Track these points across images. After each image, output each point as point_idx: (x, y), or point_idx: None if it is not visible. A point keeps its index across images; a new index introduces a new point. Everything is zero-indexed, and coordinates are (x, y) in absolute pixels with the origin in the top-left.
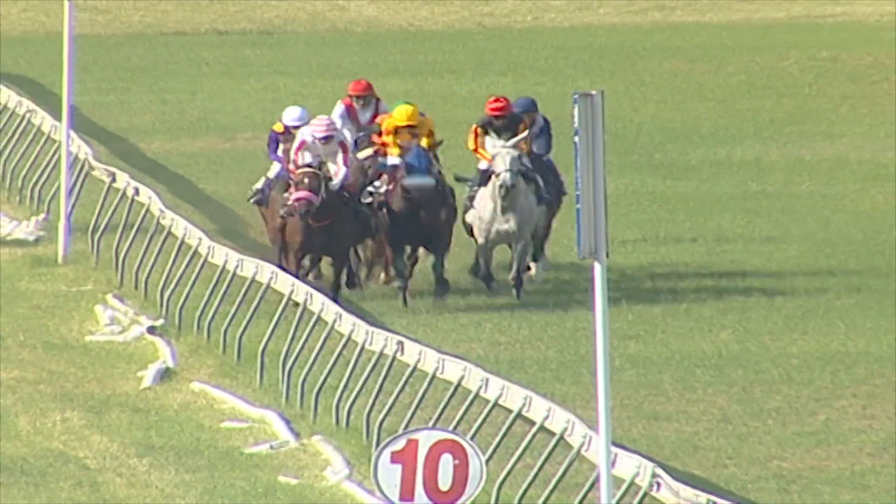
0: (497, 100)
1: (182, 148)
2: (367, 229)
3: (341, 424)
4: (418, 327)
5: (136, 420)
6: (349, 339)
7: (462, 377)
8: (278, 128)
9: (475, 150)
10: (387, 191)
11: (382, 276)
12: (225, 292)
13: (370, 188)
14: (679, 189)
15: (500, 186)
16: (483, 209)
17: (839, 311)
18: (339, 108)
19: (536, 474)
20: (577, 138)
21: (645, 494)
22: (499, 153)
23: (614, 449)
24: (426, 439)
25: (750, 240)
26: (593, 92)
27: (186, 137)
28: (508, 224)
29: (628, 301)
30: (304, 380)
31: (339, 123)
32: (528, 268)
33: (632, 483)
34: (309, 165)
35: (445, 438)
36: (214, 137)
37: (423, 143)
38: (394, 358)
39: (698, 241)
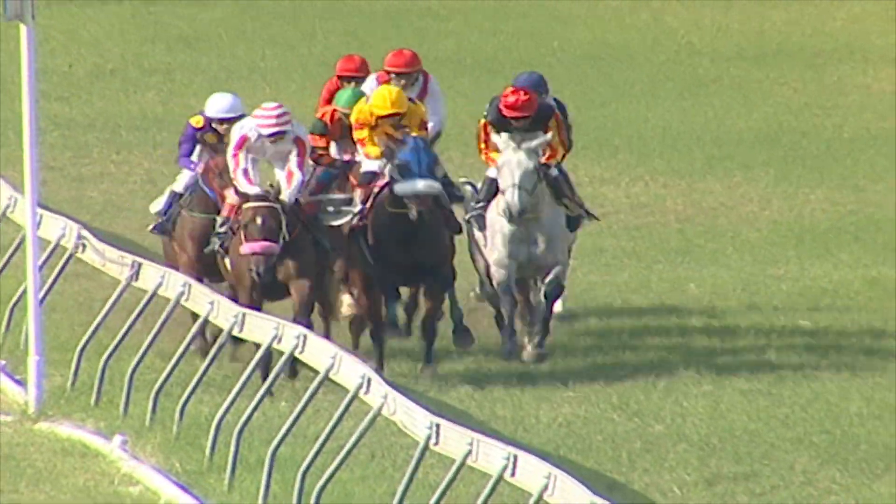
0: (515, 91)
1: None
2: (324, 263)
3: None
4: None
5: None
6: None
7: None
8: (197, 121)
9: (485, 153)
10: (362, 210)
11: (345, 307)
12: None
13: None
14: None
15: (505, 210)
16: (496, 232)
17: None
18: (371, 82)
19: None
20: None
21: (71, 255)
22: (507, 162)
23: (40, 210)
24: None
25: None
26: None
27: None
28: (536, 246)
29: None
30: None
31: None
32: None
33: (57, 245)
34: (263, 198)
35: None
36: None
37: None
38: None
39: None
